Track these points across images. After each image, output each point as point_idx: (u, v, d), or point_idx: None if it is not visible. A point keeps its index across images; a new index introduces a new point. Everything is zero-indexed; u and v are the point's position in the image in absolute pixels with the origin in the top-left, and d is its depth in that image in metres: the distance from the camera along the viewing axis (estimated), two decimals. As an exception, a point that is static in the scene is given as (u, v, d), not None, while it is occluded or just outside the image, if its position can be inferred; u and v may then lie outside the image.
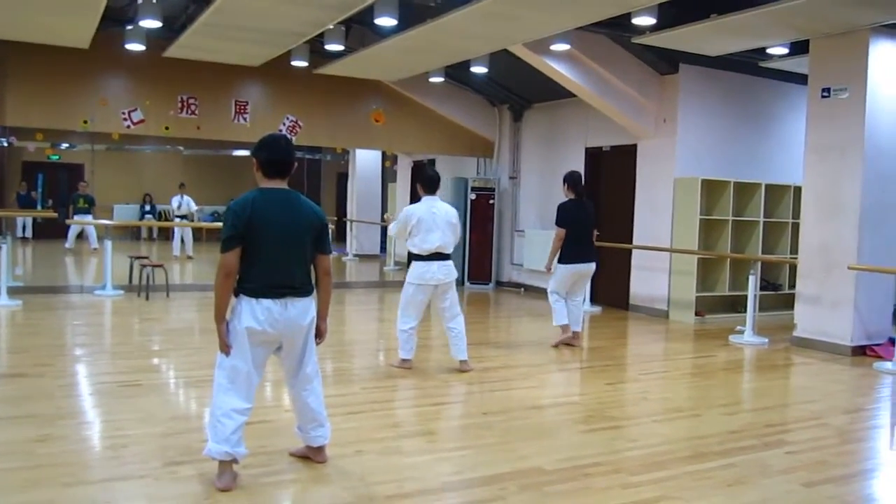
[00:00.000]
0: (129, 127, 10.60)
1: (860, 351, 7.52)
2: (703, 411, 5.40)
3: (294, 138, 11.23)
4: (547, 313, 7.76)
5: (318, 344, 3.83)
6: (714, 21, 7.17)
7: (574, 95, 10.32)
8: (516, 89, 12.17)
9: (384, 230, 15.69)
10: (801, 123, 8.46)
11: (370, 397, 5.46)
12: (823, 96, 7.72)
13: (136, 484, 3.61)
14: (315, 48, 9.72)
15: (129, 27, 9.01)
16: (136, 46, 9.32)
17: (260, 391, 3.86)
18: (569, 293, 7.63)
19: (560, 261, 7.48)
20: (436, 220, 6.10)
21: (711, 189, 9.69)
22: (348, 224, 17.66)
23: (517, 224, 12.68)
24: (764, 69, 9.40)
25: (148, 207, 19.50)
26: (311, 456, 3.92)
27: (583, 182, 7.68)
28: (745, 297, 8.42)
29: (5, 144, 16.98)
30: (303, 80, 11.06)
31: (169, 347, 7.15)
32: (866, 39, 7.32)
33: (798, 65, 8.70)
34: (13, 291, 9.21)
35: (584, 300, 8.26)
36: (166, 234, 18.39)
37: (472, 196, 12.70)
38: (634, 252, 10.23)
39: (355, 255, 17.06)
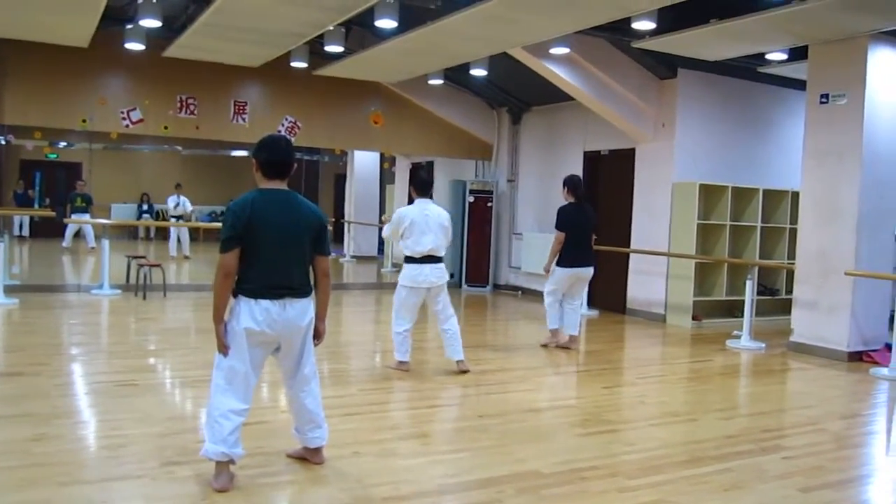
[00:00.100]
0: (127, 126, 10.59)
1: (857, 357, 7.53)
2: (700, 416, 5.40)
3: (293, 139, 11.22)
4: (544, 317, 7.76)
5: (316, 345, 3.83)
6: (714, 26, 7.19)
7: (573, 99, 10.34)
8: (515, 92, 12.18)
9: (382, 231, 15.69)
10: (799, 129, 8.47)
11: (367, 399, 5.46)
12: (822, 102, 7.74)
13: (132, 484, 3.60)
14: (315, 49, 9.72)
15: (129, 26, 9.00)
16: (135, 46, 9.32)
17: (257, 392, 3.86)
18: (566, 296, 7.64)
19: (558, 264, 7.49)
20: (428, 223, 6.12)
21: (709, 194, 9.70)
22: (346, 225, 17.67)
23: (515, 227, 12.69)
24: (762, 75, 9.42)
25: (146, 207, 19.48)
26: (309, 457, 3.92)
27: (582, 186, 7.69)
28: (743, 301, 8.43)
29: (3, 143, 16.97)
30: (302, 81, 11.06)
31: (166, 347, 7.14)
32: (865, 46, 7.34)
33: (796, 71, 8.72)
34: (10, 290, 9.19)
35: (582, 304, 8.26)
36: (164, 234, 18.37)
37: (470, 199, 12.71)
38: (632, 256, 10.24)
39: (352, 257, 17.07)
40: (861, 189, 7.45)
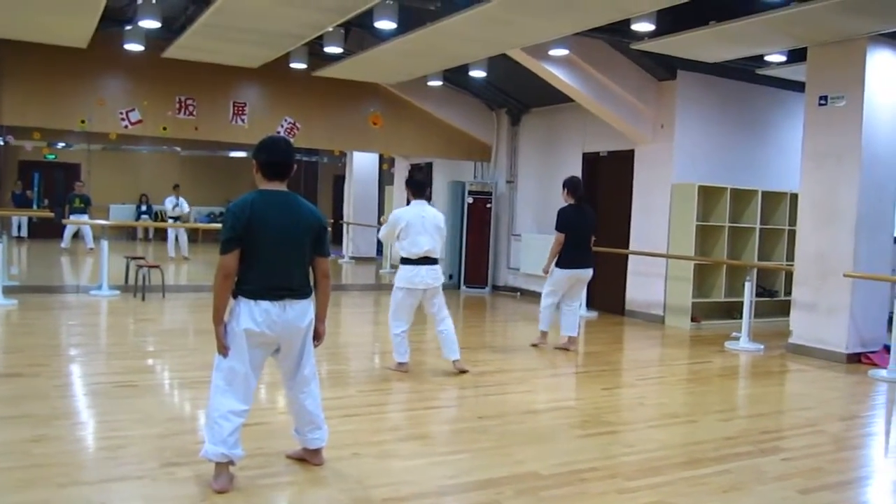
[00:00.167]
0: (126, 127, 10.59)
1: (855, 358, 7.54)
2: (699, 417, 5.41)
3: (292, 140, 11.21)
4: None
5: (316, 346, 3.84)
6: (712, 28, 7.20)
7: (572, 100, 10.34)
8: (514, 94, 12.19)
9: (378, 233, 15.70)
10: (797, 131, 8.48)
11: (367, 400, 5.46)
12: (821, 104, 7.75)
13: (132, 485, 3.60)
14: (314, 50, 9.72)
15: (128, 27, 9.00)
16: (134, 47, 9.32)
17: (256, 393, 3.85)
18: (565, 298, 7.64)
19: (558, 264, 7.49)
20: (425, 225, 6.13)
21: (708, 195, 9.71)
22: (345, 226, 17.67)
23: (514, 228, 12.69)
24: (761, 76, 9.44)
25: (144, 208, 19.48)
26: (308, 458, 3.92)
27: (582, 187, 7.70)
28: (741, 303, 8.43)
29: (2, 143, 16.96)
30: (301, 82, 11.06)
31: (165, 348, 7.14)
32: (864, 48, 7.35)
33: (795, 72, 8.73)
34: (9, 291, 9.18)
35: (581, 305, 8.27)
36: (162, 235, 18.37)
37: (469, 200, 12.71)
38: (631, 257, 10.25)
39: (351, 258, 17.07)
40: (860, 191, 7.46)
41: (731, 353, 7.97)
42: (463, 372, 6.27)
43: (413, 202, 6.26)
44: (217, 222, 19.15)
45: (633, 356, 8.09)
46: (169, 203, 15.75)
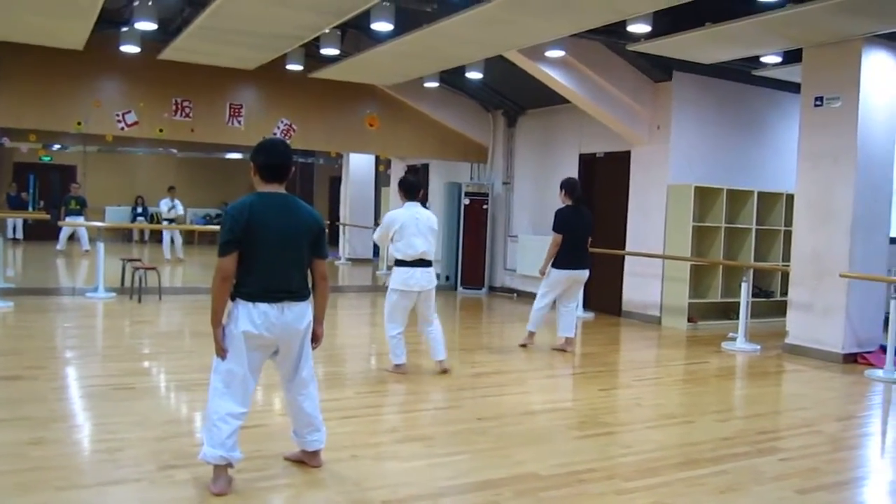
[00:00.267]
0: (123, 129, 10.58)
1: (851, 358, 7.56)
2: (696, 418, 5.42)
3: (288, 142, 11.21)
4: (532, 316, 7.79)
5: (314, 348, 3.84)
6: (708, 29, 7.22)
7: (568, 102, 10.35)
8: (511, 95, 12.20)
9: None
10: (793, 131, 8.51)
11: (364, 402, 5.47)
12: (816, 105, 7.77)
13: (130, 488, 3.60)
14: (310, 52, 9.72)
15: (125, 29, 8.99)
16: (131, 48, 9.30)
17: (254, 395, 3.85)
18: (561, 299, 7.66)
19: (554, 265, 7.50)
20: (419, 226, 6.14)
21: (704, 196, 9.73)
22: (341, 228, 17.66)
23: (510, 229, 12.70)
24: (757, 77, 9.46)
25: (140, 210, 19.44)
26: (307, 460, 3.92)
27: (580, 189, 7.71)
28: (738, 303, 8.45)
29: (-2, 145, 16.93)
30: (298, 83, 11.05)
31: (162, 350, 7.13)
32: (859, 49, 7.38)
33: (791, 73, 8.76)
34: (4, 293, 9.17)
35: (578, 306, 8.28)
36: (157, 237, 18.34)
37: (466, 201, 12.72)
38: (627, 258, 10.27)
39: (348, 259, 17.06)
40: (855, 191, 7.48)
41: (728, 354, 7.98)
42: (445, 371, 6.32)
43: (406, 204, 6.26)
44: (213, 224, 19.13)
45: (630, 357, 8.10)
46: (164, 205, 15.71)
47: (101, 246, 10.26)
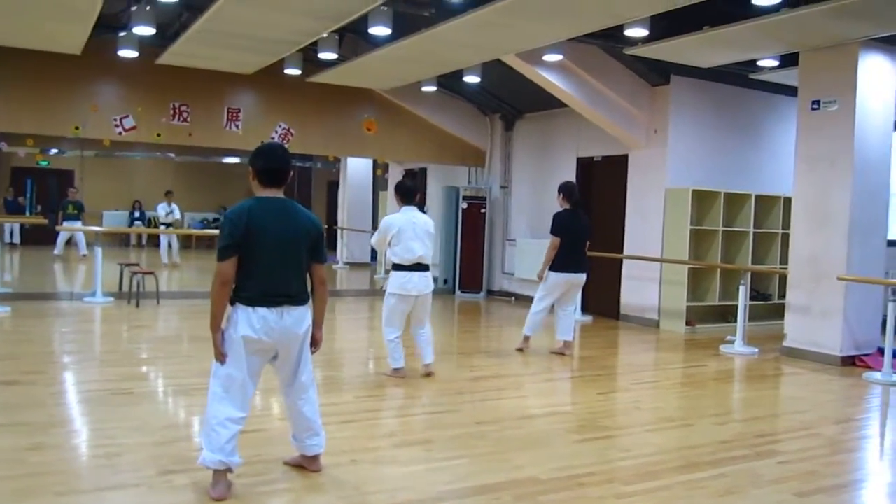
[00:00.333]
0: (120, 133, 10.58)
1: (849, 361, 7.57)
2: (695, 421, 5.42)
3: (286, 146, 11.21)
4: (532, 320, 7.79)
5: (313, 353, 3.84)
6: (705, 33, 7.23)
7: (566, 105, 10.38)
8: (508, 99, 12.22)
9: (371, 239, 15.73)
10: (790, 135, 8.53)
11: (363, 406, 5.46)
12: (813, 108, 7.79)
13: (129, 493, 3.59)
14: (308, 56, 9.73)
15: (123, 34, 8.99)
16: (128, 53, 9.30)
17: (253, 400, 3.85)
18: (560, 302, 7.66)
19: (552, 268, 7.51)
20: (416, 231, 6.15)
21: (702, 199, 9.75)
22: (339, 232, 17.66)
23: (508, 233, 12.71)
24: (754, 81, 9.48)
25: (137, 214, 19.43)
26: (306, 465, 3.92)
27: (578, 193, 7.73)
28: (736, 307, 8.47)
29: (-5, 150, 16.91)
30: (295, 88, 11.06)
31: (160, 355, 7.11)
32: (856, 52, 7.40)
33: (788, 77, 8.78)
34: (2, 298, 9.17)
35: (576, 309, 8.29)
36: (155, 241, 18.33)
37: (464, 205, 12.73)
38: (625, 262, 10.28)
39: (346, 264, 17.05)
40: (853, 194, 7.50)
41: (726, 357, 7.99)
42: (429, 375, 6.35)
43: (403, 208, 6.27)
44: (210, 228, 19.13)
45: (629, 360, 8.10)
46: (162, 209, 15.71)
47: (98, 251, 10.25)
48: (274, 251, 3.56)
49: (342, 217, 17.73)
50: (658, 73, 9.59)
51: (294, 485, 3.78)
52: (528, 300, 8.36)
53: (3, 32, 8.32)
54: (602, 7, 6.49)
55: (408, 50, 8.37)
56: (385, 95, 12.02)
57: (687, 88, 9.73)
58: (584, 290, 8.34)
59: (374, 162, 17.14)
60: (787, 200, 9.17)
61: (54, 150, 18.57)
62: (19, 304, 9.24)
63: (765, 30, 6.99)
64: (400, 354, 6.28)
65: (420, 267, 6.17)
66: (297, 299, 3.64)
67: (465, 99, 12.55)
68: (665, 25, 7.35)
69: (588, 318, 10.30)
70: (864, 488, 4.29)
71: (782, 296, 8.80)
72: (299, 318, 3.65)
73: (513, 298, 12.26)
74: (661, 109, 9.81)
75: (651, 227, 9.90)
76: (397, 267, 6.19)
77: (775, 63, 8.43)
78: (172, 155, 19.81)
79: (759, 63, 8.53)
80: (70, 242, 16.09)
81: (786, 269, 8.37)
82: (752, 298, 9.04)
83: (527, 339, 7.73)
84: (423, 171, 14.72)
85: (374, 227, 15.72)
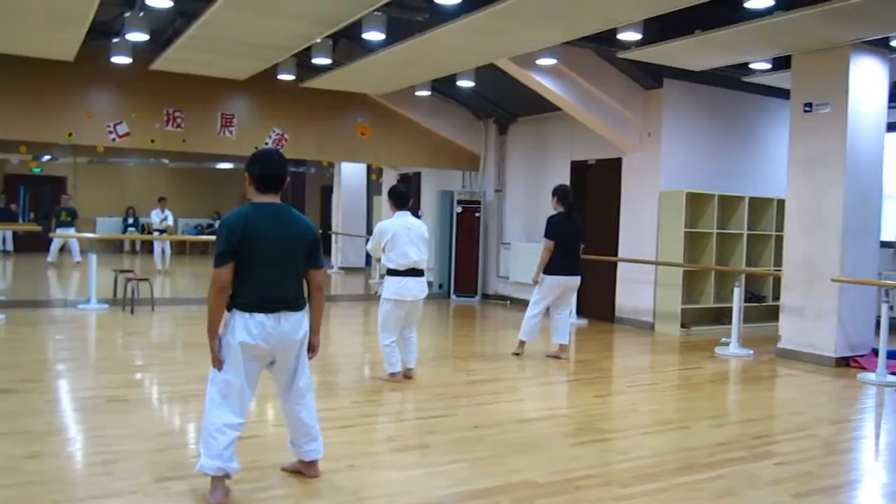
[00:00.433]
0: (114, 140, 10.55)
1: (844, 362, 7.60)
2: (692, 423, 5.43)
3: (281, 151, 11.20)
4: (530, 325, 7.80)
5: (310, 358, 3.84)
6: (698, 37, 7.26)
7: (559, 109, 10.40)
8: (502, 103, 12.24)
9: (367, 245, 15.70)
10: (783, 137, 8.57)
11: (361, 411, 5.46)
12: (806, 111, 7.83)
13: (126, 500, 3.58)
14: (302, 62, 9.73)
15: (116, 40, 8.98)
16: (122, 59, 9.28)
17: (251, 406, 3.85)
18: (554, 306, 7.67)
19: (546, 271, 7.52)
20: (410, 236, 6.16)
21: (696, 202, 9.78)
22: (333, 237, 17.65)
23: (503, 237, 12.73)
24: (747, 84, 9.52)
25: (131, 220, 19.39)
26: (304, 470, 3.92)
27: (572, 196, 7.74)
28: (730, 309, 8.49)
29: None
30: (289, 93, 11.06)
31: (156, 362, 7.10)
32: (847, 55, 7.44)
33: (780, 80, 8.82)
34: (-4, 306, 9.13)
35: (571, 313, 8.31)
36: (148, 248, 18.29)
37: (458, 209, 12.74)
38: (620, 265, 10.30)
39: (340, 268, 17.05)
40: (846, 196, 7.54)
41: (721, 359, 8.02)
42: (409, 378, 6.38)
43: (396, 213, 6.28)
44: (204, 234, 19.10)
45: (624, 363, 8.11)
46: (155, 216, 15.66)
47: (93, 257, 10.22)
48: (271, 257, 3.56)
49: (336, 222, 17.72)
50: (651, 77, 9.62)
51: (292, 490, 3.78)
52: (524, 303, 8.38)
53: (-5, 39, 8.31)
54: (595, 11, 6.52)
55: (401, 55, 8.38)
56: (379, 100, 12.03)
57: (680, 91, 9.77)
58: (579, 293, 8.36)
59: (369, 167, 17.10)
60: (781, 203, 9.19)
61: (47, 157, 18.51)
62: (13, 312, 9.21)
63: (757, 33, 7.02)
64: (396, 359, 6.28)
65: (415, 272, 6.18)
66: (295, 305, 3.65)
67: (459, 103, 12.57)
68: (658, 29, 7.39)
69: (583, 322, 10.31)
70: (860, 489, 4.31)
71: (776, 298, 8.83)
72: (297, 323, 3.65)
73: (508, 302, 12.27)
74: (654, 112, 9.84)
75: (645, 229, 9.92)
76: (392, 272, 6.19)
77: (768, 66, 8.47)
78: (166, 161, 19.77)
79: (752, 66, 8.57)
80: (63, 249, 16.04)
81: (780, 271, 8.40)
82: (746, 300, 9.07)
83: (522, 343, 7.74)
84: (418, 175, 14.74)
85: (369, 231, 15.74)
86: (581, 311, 10.38)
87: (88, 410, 5.22)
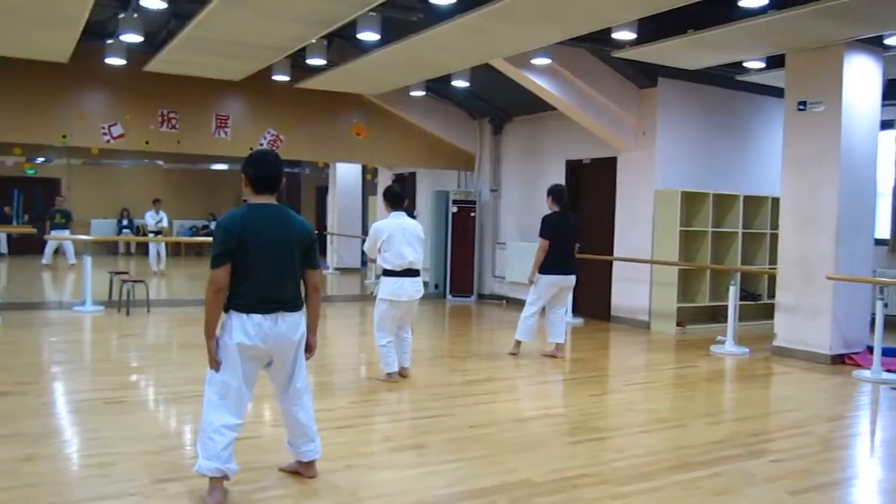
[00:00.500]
0: (108, 141, 10.53)
1: (839, 360, 7.63)
2: (688, 421, 5.45)
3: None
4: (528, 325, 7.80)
5: (308, 358, 3.84)
6: (692, 36, 7.28)
7: (554, 109, 10.41)
8: (497, 103, 12.25)
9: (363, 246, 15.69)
10: (778, 136, 8.59)
11: (358, 411, 5.46)
12: (800, 109, 7.85)
13: (124, 502, 3.58)
14: (296, 62, 9.72)
15: (110, 41, 8.96)
16: (116, 61, 9.27)
17: (248, 407, 3.84)
18: (551, 305, 7.68)
19: (541, 271, 7.53)
20: (406, 236, 6.17)
21: (691, 201, 9.80)
22: (328, 237, 17.64)
23: (498, 236, 12.74)
24: (741, 83, 9.54)
25: (125, 222, 19.35)
26: (302, 471, 3.92)
27: (567, 195, 7.75)
28: (726, 307, 8.51)
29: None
30: (284, 94, 11.05)
31: (152, 363, 7.09)
32: (841, 54, 7.47)
33: (774, 78, 8.84)
34: (-9, 308, 9.11)
35: (567, 312, 8.31)
36: (143, 249, 18.26)
37: (454, 209, 12.74)
38: (615, 264, 10.31)
39: (336, 269, 17.04)
40: (840, 194, 7.56)
41: (717, 357, 8.03)
42: (404, 377, 6.40)
43: (391, 214, 6.28)
44: (199, 236, 19.08)
45: (620, 362, 8.13)
46: (150, 217, 15.63)
47: (88, 259, 10.20)
48: (267, 258, 3.56)
49: (331, 222, 17.71)
50: (645, 76, 9.64)
51: (290, 491, 3.78)
52: (519, 303, 8.39)
53: (-11, 41, 8.29)
54: (590, 11, 6.52)
55: (396, 55, 8.38)
56: (374, 100, 12.02)
57: (674, 90, 9.79)
58: (575, 292, 8.36)
59: (364, 167, 17.13)
60: (775, 201, 9.23)
61: (41, 159, 18.46)
62: (8, 315, 9.19)
63: (751, 32, 7.04)
64: (393, 359, 6.29)
65: (411, 272, 6.19)
66: (292, 305, 3.65)
67: (453, 103, 12.57)
68: (652, 28, 7.39)
69: (579, 321, 10.32)
70: (856, 485, 4.33)
71: (772, 296, 8.85)
72: (294, 324, 3.65)
73: (504, 301, 12.28)
74: (649, 111, 9.86)
75: (640, 228, 9.94)
76: (388, 273, 6.20)
77: (762, 65, 8.49)
78: (160, 162, 19.74)
79: (746, 65, 8.59)
80: (58, 251, 16.00)
81: (775, 269, 8.42)
82: (741, 298, 9.09)
83: (518, 343, 7.74)
84: (413, 175, 14.73)
85: (364, 232, 15.75)
86: (577, 310, 10.40)
87: (85, 412, 5.21)
